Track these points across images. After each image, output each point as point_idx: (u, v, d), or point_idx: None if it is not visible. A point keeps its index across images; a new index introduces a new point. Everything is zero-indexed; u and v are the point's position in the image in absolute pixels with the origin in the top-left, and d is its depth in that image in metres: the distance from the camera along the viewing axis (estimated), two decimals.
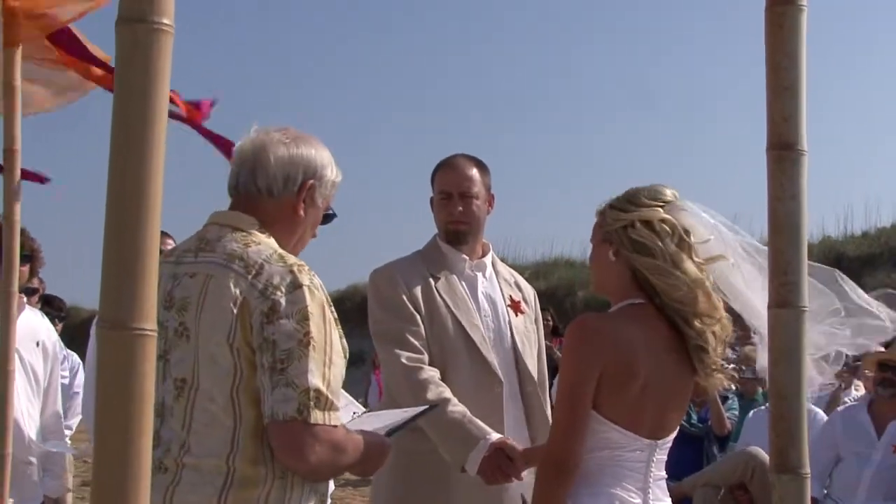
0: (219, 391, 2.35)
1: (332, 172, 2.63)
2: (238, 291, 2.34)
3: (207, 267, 2.42)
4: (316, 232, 2.70)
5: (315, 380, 2.29)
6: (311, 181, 2.57)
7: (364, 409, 3.03)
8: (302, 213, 2.57)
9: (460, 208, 3.57)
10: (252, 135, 2.61)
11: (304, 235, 2.64)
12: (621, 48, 41.77)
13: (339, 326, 2.45)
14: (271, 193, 2.54)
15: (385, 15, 44.31)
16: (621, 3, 42.55)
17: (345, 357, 2.44)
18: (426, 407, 3.05)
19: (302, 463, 2.33)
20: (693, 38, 41.59)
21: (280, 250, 2.44)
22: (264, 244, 2.44)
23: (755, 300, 2.72)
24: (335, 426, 2.34)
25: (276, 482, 2.35)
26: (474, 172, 3.61)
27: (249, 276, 2.35)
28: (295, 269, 2.37)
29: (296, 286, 2.34)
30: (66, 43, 3.12)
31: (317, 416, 2.29)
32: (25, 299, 4.50)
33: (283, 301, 2.31)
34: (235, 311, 2.33)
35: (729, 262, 2.77)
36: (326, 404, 2.31)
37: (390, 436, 2.68)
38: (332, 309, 2.44)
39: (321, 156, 2.60)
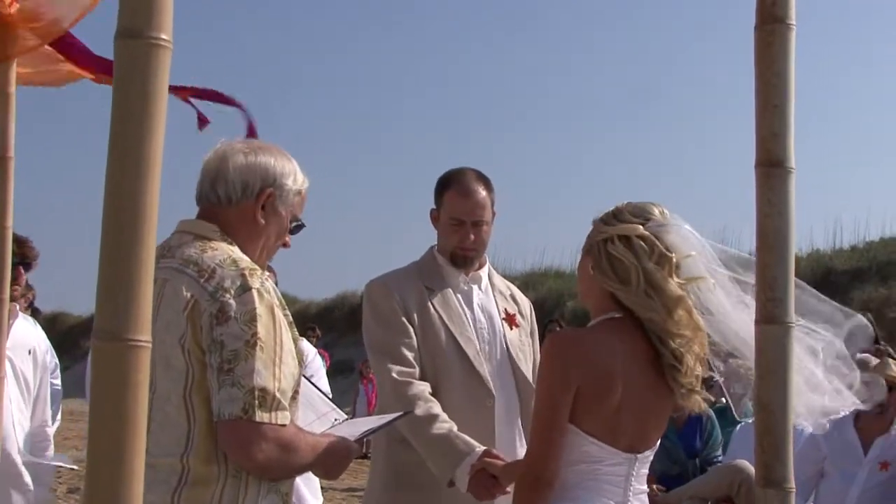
0: (174, 392, 2.40)
1: (293, 182, 2.65)
2: (189, 294, 2.40)
3: (165, 272, 2.46)
4: (288, 241, 2.72)
5: (261, 380, 2.34)
6: (270, 189, 2.60)
7: (346, 417, 3.02)
8: (261, 220, 2.61)
9: (472, 237, 3.54)
10: (217, 147, 2.66)
11: (269, 244, 2.67)
12: (614, 60, 41.96)
13: (293, 330, 2.49)
14: (230, 201, 2.59)
15: (383, 21, 44.38)
16: (616, 20, 42.76)
17: (299, 362, 2.49)
18: (399, 414, 3.06)
19: (249, 461, 2.37)
20: (685, 52, 41.81)
21: (234, 255, 2.48)
22: (221, 250, 2.49)
23: (734, 322, 2.69)
24: (283, 425, 2.38)
25: (230, 480, 2.40)
26: (486, 197, 3.55)
27: (201, 280, 2.41)
28: (246, 272, 2.42)
29: (245, 289, 2.39)
30: (68, 49, 3.10)
31: (262, 415, 2.33)
32: (18, 307, 4.49)
33: (231, 303, 2.37)
34: (186, 313, 2.39)
35: (710, 283, 2.73)
36: (273, 403, 2.35)
37: (361, 440, 2.71)
38: (287, 312, 2.48)
39: (280, 165, 2.64)
